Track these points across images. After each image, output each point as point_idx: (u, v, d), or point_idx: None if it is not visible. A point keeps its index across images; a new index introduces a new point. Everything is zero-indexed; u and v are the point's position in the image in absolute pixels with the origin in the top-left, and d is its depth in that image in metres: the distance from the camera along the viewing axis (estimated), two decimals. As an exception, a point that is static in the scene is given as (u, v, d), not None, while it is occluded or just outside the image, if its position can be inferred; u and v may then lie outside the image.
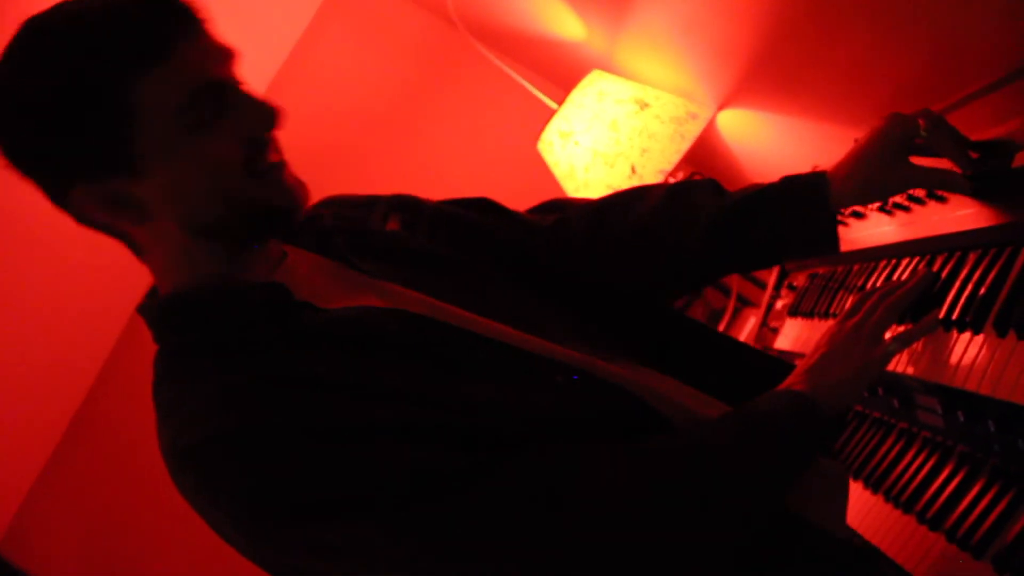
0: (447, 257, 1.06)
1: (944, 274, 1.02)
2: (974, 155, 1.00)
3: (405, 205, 1.14)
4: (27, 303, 2.01)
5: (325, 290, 0.95)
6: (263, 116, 0.89)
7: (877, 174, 0.99)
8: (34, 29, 0.83)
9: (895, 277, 1.20)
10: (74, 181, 0.85)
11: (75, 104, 0.81)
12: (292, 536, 0.81)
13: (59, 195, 0.87)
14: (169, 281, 0.93)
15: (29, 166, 0.87)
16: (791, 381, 0.94)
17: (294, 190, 0.92)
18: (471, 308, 0.96)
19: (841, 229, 1.38)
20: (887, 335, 0.96)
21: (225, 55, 0.88)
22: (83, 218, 0.90)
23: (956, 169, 0.99)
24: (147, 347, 0.94)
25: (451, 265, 1.05)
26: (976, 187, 0.98)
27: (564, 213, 1.19)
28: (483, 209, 1.18)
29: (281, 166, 0.92)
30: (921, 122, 0.98)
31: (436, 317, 0.93)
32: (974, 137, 1.01)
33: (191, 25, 0.85)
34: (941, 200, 1.08)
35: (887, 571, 0.96)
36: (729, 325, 2.35)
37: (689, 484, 0.84)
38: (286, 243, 1.01)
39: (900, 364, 1.02)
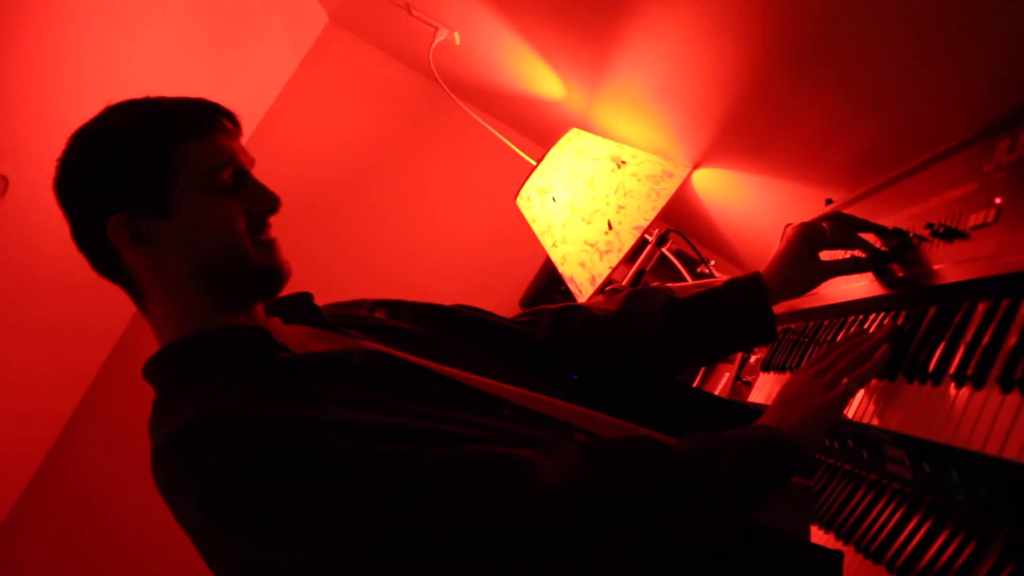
0: (426, 333, 1.20)
1: (908, 327, 1.06)
2: (875, 239, 1.21)
3: (389, 301, 1.29)
4: (17, 315, 2.00)
5: (305, 344, 1.09)
6: (268, 199, 1.10)
7: (795, 274, 1.24)
8: (128, 101, 1.10)
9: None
10: (115, 210, 1.04)
11: (135, 152, 1.05)
12: (248, 503, 0.88)
13: (96, 222, 1.05)
14: (168, 332, 1.08)
15: (84, 194, 1.06)
16: (754, 425, 1.02)
17: (282, 261, 1.11)
18: (440, 361, 1.10)
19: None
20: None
21: (248, 155, 1.12)
22: (104, 256, 1.08)
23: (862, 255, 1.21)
24: (138, 360, 1.06)
25: (428, 337, 1.19)
26: (877, 267, 1.20)
27: (540, 312, 1.36)
28: (463, 306, 1.33)
29: (275, 242, 1.11)
30: (825, 224, 1.23)
31: (401, 357, 1.07)
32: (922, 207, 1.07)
33: (228, 125, 1.11)
34: (903, 259, 1.12)
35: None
36: (704, 380, 2.38)
37: (643, 475, 0.90)
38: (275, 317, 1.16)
39: (867, 415, 1.05)
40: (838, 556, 0.96)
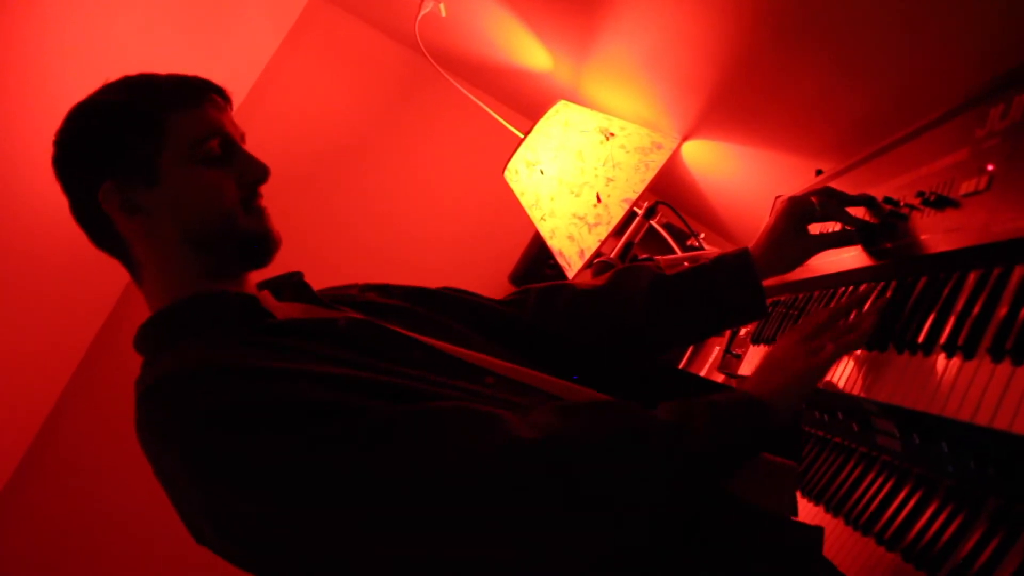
0: (414, 310, 1.21)
1: (898, 297, 1.05)
2: (864, 213, 1.21)
3: (379, 285, 1.30)
4: (4, 294, 1.99)
5: (292, 315, 1.09)
6: (257, 168, 1.12)
7: (786, 248, 1.23)
8: (124, 77, 1.13)
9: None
10: (106, 177, 1.07)
11: (124, 120, 1.08)
12: (225, 448, 0.88)
13: (89, 191, 1.07)
14: (159, 300, 1.10)
15: (77, 163, 1.10)
16: (735, 389, 1.02)
17: (272, 229, 1.13)
18: (427, 335, 1.10)
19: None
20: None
21: (238, 129, 1.15)
22: (100, 227, 1.10)
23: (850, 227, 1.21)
24: (118, 358, 0.99)
25: (416, 314, 1.20)
26: (865, 239, 1.19)
27: (527, 290, 1.35)
28: (451, 289, 1.33)
29: (265, 210, 1.13)
30: (814, 199, 1.22)
31: (386, 326, 1.08)
32: (917, 174, 1.05)
33: (218, 98, 1.14)
34: (893, 230, 1.11)
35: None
36: (695, 353, 2.37)
37: (618, 432, 0.91)
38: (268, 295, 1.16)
39: (857, 386, 1.04)
40: (818, 532, 0.95)
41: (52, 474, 2.59)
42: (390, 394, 0.93)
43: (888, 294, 1.09)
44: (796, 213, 1.23)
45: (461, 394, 0.98)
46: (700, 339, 1.37)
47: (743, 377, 1.61)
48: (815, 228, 1.27)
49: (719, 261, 1.25)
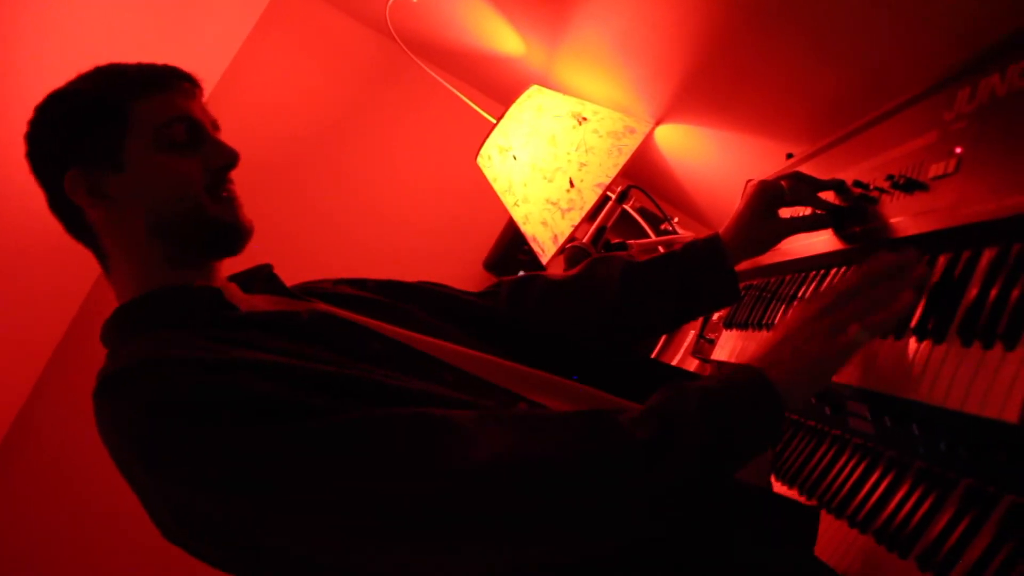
0: (385, 302, 1.19)
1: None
2: (834, 197, 1.20)
3: (353, 279, 1.28)
4: None
5: (258, 307, 1.08)
6: (225, 154, 1.10)
7: (756, 232, 1.23)
8: (94, 67, 1.12)
9: (824, 286, 1.23)
10: (71, 164, 1.06)
11: (87, 107, 1.07)
12: (175, 441, 0.85)
13: (58, 179, 1.07)
14: (126, 292, 1.09)
15: (44, 152, 1.09)
16: (741, 368, 0.89)
17: (242, 217, 1.11)
18: (396, 326, 1.09)
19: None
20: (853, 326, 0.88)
21: (208, 115, 1.14)
22: (71, 216, 1.10)
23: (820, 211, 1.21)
24: (90, 353, 1.05)
25: (386, 306, 1.18)
26: (835, 223, 1.19)
27: (499, 284, 1.33)
28: (426, 283, 1.31)
29: (236, 199, 1.11)
30: (784, 183, 1.21)
31: (348, 318, 1.06)
32: (885, 157, 1.05)
33: (184, 84, 1.12)
34: (863, 213, 1.11)
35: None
36: (669, 339, 2.38)
37: (579, 449, 0.82)
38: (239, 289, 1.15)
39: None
40: (814, 512, 0.93)
41: (25, 469, 2.56)
42: (343, 390, 0.89)
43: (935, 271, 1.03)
44: (766, 197, 1.23)
45: (417, 392, 0.93)
46: (675, 326, 1.34)
47: (717, 362, 1.61)
48: (786, 213, 1.27)
49: (690, 247, 1.25)
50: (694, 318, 1.36)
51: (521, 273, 1.39)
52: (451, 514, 0.80)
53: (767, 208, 1.23)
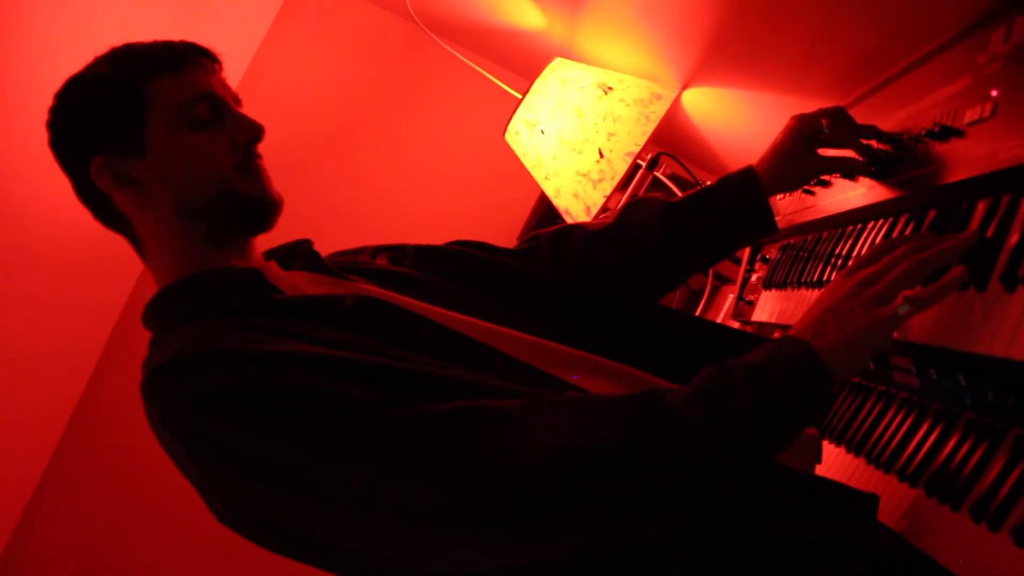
0: (426, 279, 1.16)
1: (908, 233, 1.04)
2: (874, 143, 1.16)
3: (391, 246, 1.26)
4: (17, 296, 1.99)
5: (302, 287, 1.05)
6: (249, 127, 1.08)
7: (791, 167, 1.21)
8: (109, 49, 1.10)
9: (861, 241, 1.21)
10: (95, 152, 1.04)
11: (106, 92, 1.05)
12: (222, 436, 0.86)
13: (82, 168, 1.06)
14: (163, 277, 1.08)
15: (67, 141, 1.08)
16: (786, 340, 0.87)
17: (273, 192, 1.09)
18: (436, 304, 1.05)
19: (808, 198, 1.41)
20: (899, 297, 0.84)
21: (230, 91, 1.11)
22: (100, 205, 1.09)
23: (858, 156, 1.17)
24: (138, 350, 1.04)
25: (427, 283, 1.15)
26: (874, 169, 1.15)
27: (537, 237, 1.33)
28: (463, 243, 1.29)
29: (264, 171, 1.09)
30: (824, 120, 1.18)
31: (394, 303, 1.02)
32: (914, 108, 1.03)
33: (202, 59, 1.09)
34: (899, 162, 1.09)
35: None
36: (708, 303, 2.36)
37: (631, 438, 0.81)
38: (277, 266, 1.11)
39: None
40: (874, 499, 0.87)
41: (83, 471, 2.62)
42: (392, 382, 0.87)
43: (900, 227, 1.07)
44: (804, 132, 1.20)
45: (468, 382, 0.91)
46: (716, 261, 1.34)
47: (758, 323, 1.60)
48: (823, 153, 1.23)
49: (725, 181, 1.25)
50: (732, 252, 1.36)
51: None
52: (511, 508, 0.80)
53: (805, 144, 1.20)
